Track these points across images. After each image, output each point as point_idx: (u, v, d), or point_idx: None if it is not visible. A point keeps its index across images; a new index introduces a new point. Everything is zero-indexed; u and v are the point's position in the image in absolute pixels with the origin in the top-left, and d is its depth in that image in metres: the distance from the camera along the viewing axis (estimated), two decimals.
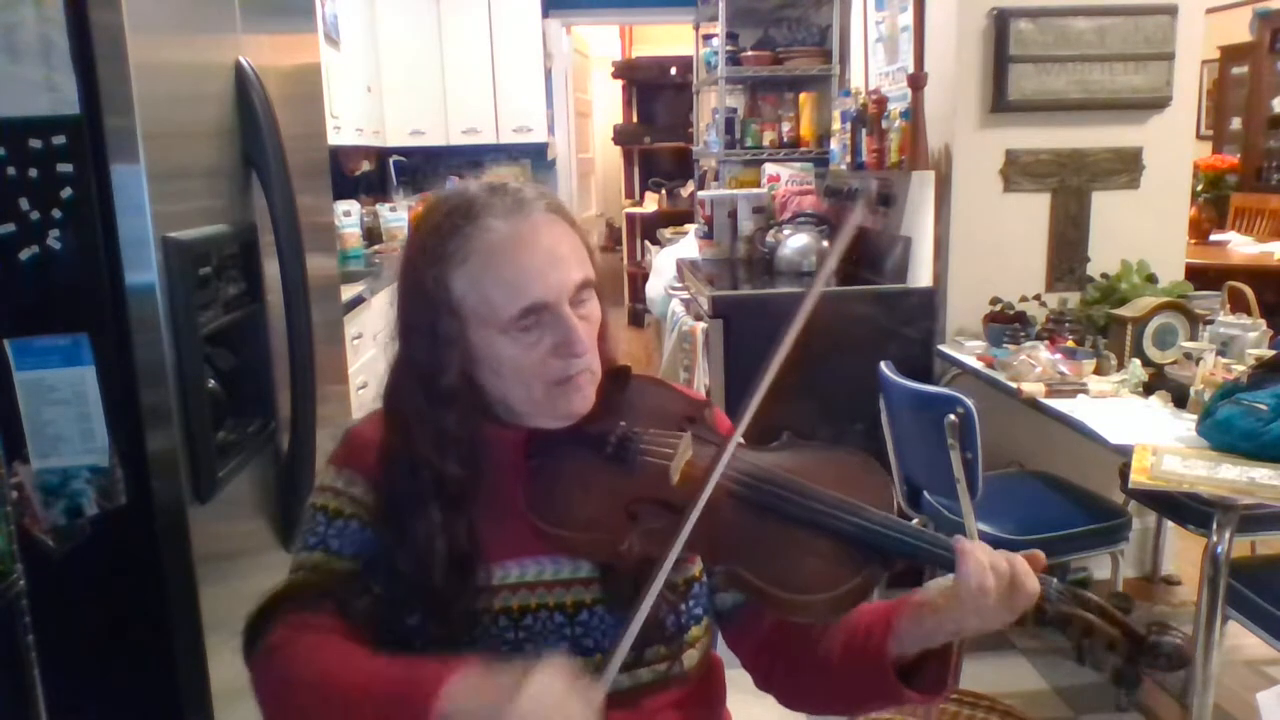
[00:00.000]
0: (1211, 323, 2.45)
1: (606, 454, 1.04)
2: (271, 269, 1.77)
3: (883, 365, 2.56)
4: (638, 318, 6.26)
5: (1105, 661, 0.92)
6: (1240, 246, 5.03)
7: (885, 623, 1.00)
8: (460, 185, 1.09)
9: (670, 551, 0.90)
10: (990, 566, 0.90)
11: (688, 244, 4.70)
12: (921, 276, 3.03)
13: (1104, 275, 2.88)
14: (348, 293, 2.99)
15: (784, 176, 4.08)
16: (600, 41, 7.86)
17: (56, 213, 1.34)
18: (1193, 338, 2.49)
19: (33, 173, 1.32)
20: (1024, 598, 0.90)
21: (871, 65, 3.68)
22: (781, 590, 0.93)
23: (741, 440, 1.01)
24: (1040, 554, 0.94)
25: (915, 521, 2.70)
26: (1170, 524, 2.94)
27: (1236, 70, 6.52)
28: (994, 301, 2.90)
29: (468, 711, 0.82)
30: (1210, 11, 3.27)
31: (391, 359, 1.08)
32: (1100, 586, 2.87)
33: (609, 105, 8.22)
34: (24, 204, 1.33)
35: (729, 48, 4.20)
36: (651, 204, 7.78)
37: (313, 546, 1.04)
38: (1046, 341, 2.66)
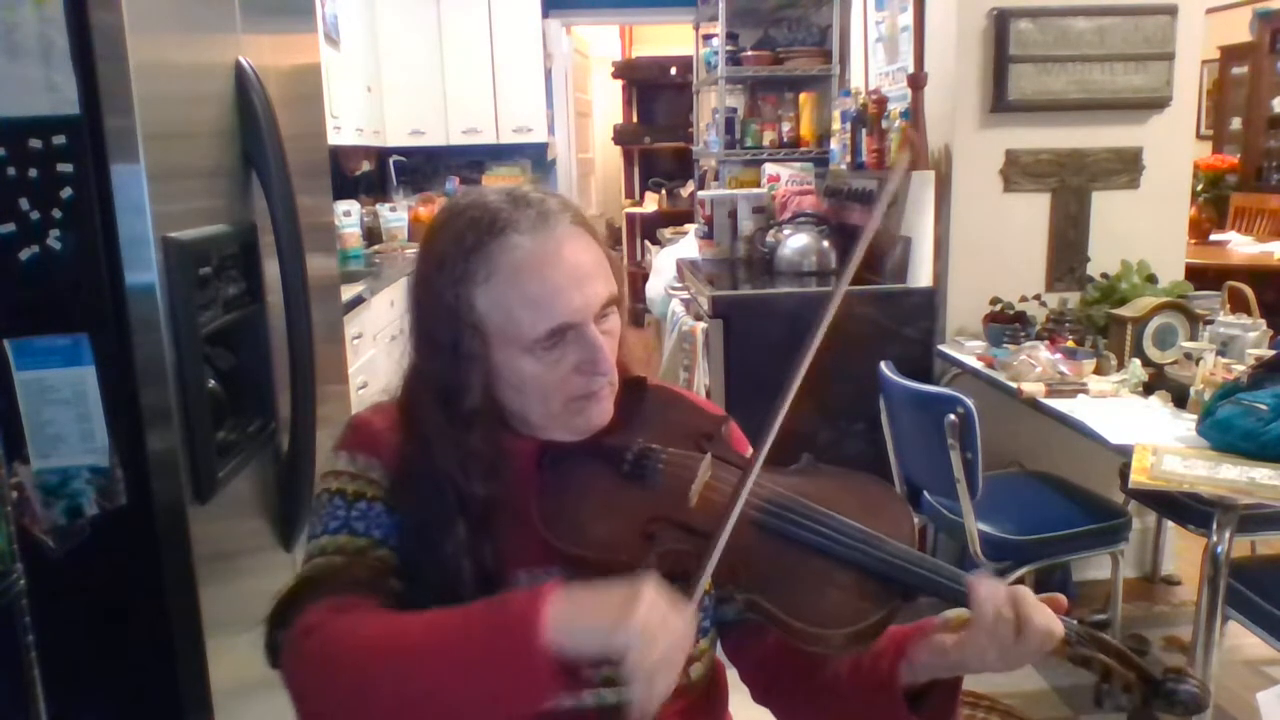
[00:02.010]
0: (1211, 323, 2.45)
1: (623, 471, 1.01)
2: (271, 269, 1.77)
3: (883, 365, 2.56)
4: (638, 318, 6.25)
5: (1123, 704, 0.91)
6: (1240, 246, 5.04)
7: (898, 649, 0.97)
8: (478, 193, 1.03)
9: (698, 583, 0.87)
10: (1004, 602, 0.89)
11: (688, 244, 4.69)
12: (921, 276, 3.03)
13: (1104, 275, 2.88)
14: (348, 293, 2.99)
15: (784, 176, 4.08)
16: (600, 41, 7.85)
17: (56, 213, 1.33)
18: (1193, 338, 2.49)
19: (33, 173, 1.32)
20: (1037, 636, 0.88)
21: (871, 65, 3.68)
22: (801, 622, 0.90)
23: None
24: (1061, 597, 0.92)
25: (914, 522, 2.70)
26: (1170, 524, 2.94)
27: (1236, 70, 6.52)
28: (994, 301, 2.91)
29: (578, 633, 0.78)
30: (1210, 11, 3.27)
31: (406, 370, 1.04)
32: (1100, 587, 2.87)
33: (609, 105, 8.21)
34: (24, 204, 1.33)
35: (729, 48, 4.20)
36: (651, 204, 7.78)
37: (334, 530, 0.98)
38: (1046, 341, 2.66)
